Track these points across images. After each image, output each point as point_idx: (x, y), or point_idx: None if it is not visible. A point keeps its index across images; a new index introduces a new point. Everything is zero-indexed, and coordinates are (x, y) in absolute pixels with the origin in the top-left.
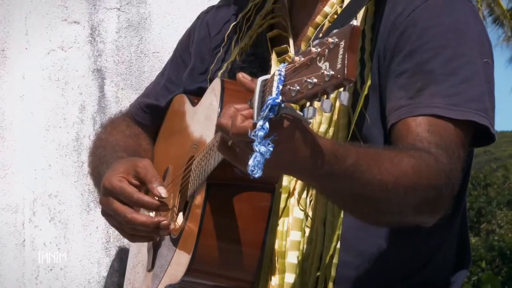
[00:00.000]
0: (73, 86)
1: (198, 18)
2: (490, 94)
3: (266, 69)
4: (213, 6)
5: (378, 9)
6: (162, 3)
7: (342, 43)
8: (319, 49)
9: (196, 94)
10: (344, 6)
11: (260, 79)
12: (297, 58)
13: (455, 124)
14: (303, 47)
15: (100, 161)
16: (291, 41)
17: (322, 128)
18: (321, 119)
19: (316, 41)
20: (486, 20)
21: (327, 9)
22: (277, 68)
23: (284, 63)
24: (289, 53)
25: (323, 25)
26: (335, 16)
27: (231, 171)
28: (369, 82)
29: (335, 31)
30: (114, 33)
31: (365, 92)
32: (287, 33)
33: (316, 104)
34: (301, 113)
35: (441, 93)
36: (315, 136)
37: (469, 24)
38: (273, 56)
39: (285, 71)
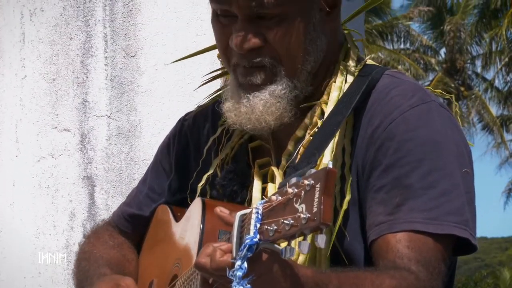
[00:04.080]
0: (63, 193)
1: (176, 126)
2: (470, 204)
3: (247, 185)
4: (190, 113)
5: (357, 121)
6: (152, 111)
7: (318, 186)
8: (295, 190)
9: (179, 205)
10: (324, 118)
11: (239, 214)
12: (274, 198)
13: (435, 238)
14: (283, 162)
15: (84, 276)
16: (272, 152)
17: None
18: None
19: (293, 180)
20: (476, 127)
21: (306, 120)
22: (257, 195)
23: (262, 201)
24: (272, 167)
25: (303, 138)
26: (315, 129)
27: None
28: (348, 197)
29: (312, 171)
30: (104, 140)
31: (344, 207)
32: (268, 144)
33: (295, 243)
34: (279, 247)
35: (419, 207)
36: (294, 267)
37: (446, 135)
38: (255, 170)
39: (263, 209)
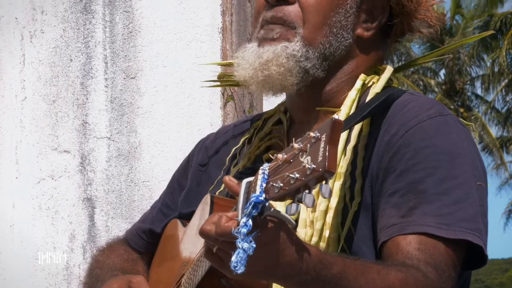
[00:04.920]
0: (63, 215)
1: (197, 144)
2: (483, 216)
3: None
4: (212, 133)
5: (373, 130)
6: (152, 132)
7: (324, 136)
8: (301, 145)
9: (190, 218)
10: None
11: (245, 180)
12: (280, 156)
13: (446, 243)
14: None
15: (95, 280)
16: None
17: (313, 241)
18: (312, 233)
19: (299, 138)
20: None
21: None
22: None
23: (268, 162)
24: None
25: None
26: None
27: (219, 282)
28: (358, 199)
29: (317, 127)
30: (104, 162)
31: (355, 209)
32: None
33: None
34: (286, 215)
35: (433, 212)
36: (301, 240)
37: (463, 147)
38: None
39: (269, 169)
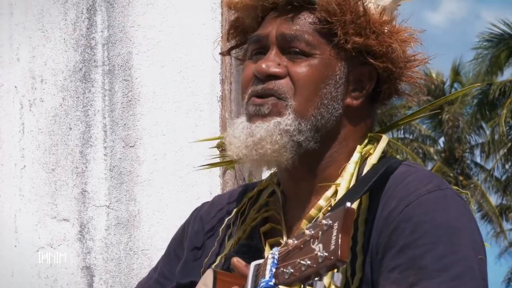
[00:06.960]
0: (62, 283)
1: (192, 214)
2: None
3: (259, 259)
4: (207, 202)
5: (372, 204)
6: (151, 201)
7: (336, 224)
8: (312, 232)
9: None
10: (337, 199)
11: (253, 263)
12: (290, 241)
13: None
14: None
15: None
16: (284, 234)
17: None
18: None
19: (310, 224)
20: (475, 216)
21: (321, 202)
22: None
23: (278, 246)
24: (286, 240)
25: (318, 218)
26: (329, 207)
27: None
28: (360, 275)
29: (328, 213)
30: (103, 230)
31: (356, 285)
32: (280, 226)
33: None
34: None
35: None
36: None
37: (462, 221)
38: (267, 248)
39: (279, 254)
